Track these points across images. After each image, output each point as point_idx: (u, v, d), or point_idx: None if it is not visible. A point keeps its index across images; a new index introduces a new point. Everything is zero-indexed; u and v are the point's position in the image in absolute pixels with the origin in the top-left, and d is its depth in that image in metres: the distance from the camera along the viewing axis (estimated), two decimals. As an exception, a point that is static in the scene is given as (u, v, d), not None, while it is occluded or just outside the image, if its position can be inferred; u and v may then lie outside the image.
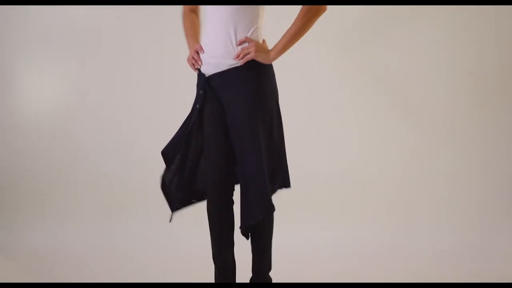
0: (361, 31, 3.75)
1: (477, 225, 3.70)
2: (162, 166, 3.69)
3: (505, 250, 3.56)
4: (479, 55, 3.72)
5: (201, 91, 2.51)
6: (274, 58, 2.45)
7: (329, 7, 3.26)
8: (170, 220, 2.69)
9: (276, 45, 2.45)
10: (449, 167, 3.77)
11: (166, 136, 3.74)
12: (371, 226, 3.71)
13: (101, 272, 3.33)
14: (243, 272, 2.74)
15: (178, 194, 2.65)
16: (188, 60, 2.56)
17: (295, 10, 2.48)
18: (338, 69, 3.78)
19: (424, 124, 3.78)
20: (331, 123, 3.81)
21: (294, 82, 3.70)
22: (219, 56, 2.45)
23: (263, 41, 2.50)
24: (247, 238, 2.59)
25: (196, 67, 2.53)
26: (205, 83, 2.49)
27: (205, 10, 2.52)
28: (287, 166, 2.60)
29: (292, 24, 2.42)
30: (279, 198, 2.65)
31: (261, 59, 2.42)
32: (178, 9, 3.61)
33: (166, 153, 2.61)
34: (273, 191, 2.59)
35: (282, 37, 2.43)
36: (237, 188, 2.58)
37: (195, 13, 2.67)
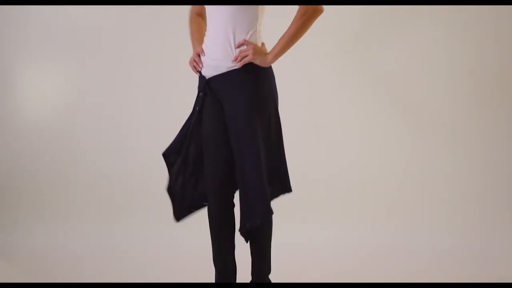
0: (361, 31, 3.75)
1: (477, 225, 3.70)
2: (162, 166, 3.68)
3: (505, 250, 3.56)
4: (479, 55, 3.72)
5: (201, 93, 2.54)
6: (272, 61, 2.46)
7: (328, 7, 3.27)
8: (178, 220, 2.69)
9: (273, 48, 2.45)
10: (449, 167, 3.78)
11: (166, 136, 3.74)
12: (371, 226, 3.71)
13: (101, 273, 3.33)
14: (243, 273, 2.74)
15: (183, 197, 2.64)
16: (190, 62, 2.59)
17: (295, 11, 2.49)
18: (338, 69, 3.78)
19: (424, 124, 3.78)
20: (331, 123, 3.81)
21: (294, 83, 3.70)
22: (218, 59, 2.47)
23: (262, 44, 2.50)
24: (247, 241, 2.59)
25: (197, 69, 2.55)
26: (205, 85, 2.51)
27: (206, 13, 2.53)
28: (287, 170, 2.59)
29: (289, 27, 2.42)
30: (279, 198, 2.65)
31: (258, 62, 2.43)
32: (178, 9, 3.64)
33: (168, 155, 2.62)
34: (274, 195, 2.58)
35: (279, 40, 2.44)
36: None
37: (202, 16, 2.68)
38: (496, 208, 3.74)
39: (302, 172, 3.63)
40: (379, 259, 3.48)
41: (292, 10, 2.49)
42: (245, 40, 2.43)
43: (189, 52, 3.20)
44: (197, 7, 2.68)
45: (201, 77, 2.54)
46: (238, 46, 2.43)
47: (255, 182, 2.44)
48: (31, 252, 3.60)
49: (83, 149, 3.89)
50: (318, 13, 2.40)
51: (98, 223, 3.80)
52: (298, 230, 3.63)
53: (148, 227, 3.74)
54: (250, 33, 2.44)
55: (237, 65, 2.44)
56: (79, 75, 3.90)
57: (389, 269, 3.35)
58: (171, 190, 2.65)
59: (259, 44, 2.48)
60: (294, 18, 2.41)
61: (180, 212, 2.67)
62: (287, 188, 2.60)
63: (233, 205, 2.60)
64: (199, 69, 2.54)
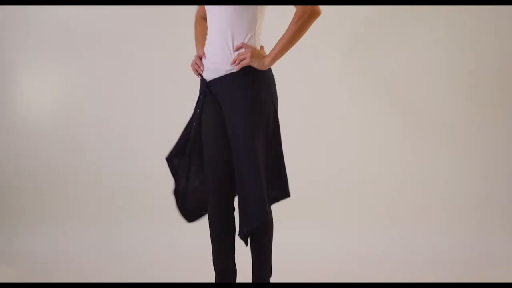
0: (361, 32, 3.74)
1: (477, 226, 3.70)
2: (163, 167, 3.69)
3: (505, 251, 3.56)
4: (479, 55, 3.71)
5: (201, 96, 2.55)
6: (269, 64, 2.46)
7: (328, 8, 3.27)
8: (190, 222, 2.70)
9: (271, 51, 2.45)
10: (449, 168, 3.77)
11: (167, 137, 3.73)
12: (371, 227, 3.71)
13: (102, 275, 3.33)
14: (244, 276, 2.74)
15: (190, 199, 2.65)
16: (192, 65, 2.60)
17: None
18: (338, 69, 3.77)
19: (424, 124, 3.77)
20: (331, 124, 3.79)
21: (294, 84, 3.68)
22: (218, 62, 2.48)
23: (261, 47, 2.50)
24: (246, 244, 2.59)
25: (198, 72, 2.56)
26: (205, 88, 2.52)
27: (207, 16, 2.55)
28: (286, 174, 2.58)
29: (286, 30, 2.42)
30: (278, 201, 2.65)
31: (256, 65, 2.43)
32: (179, 10, 3.65)
33: (171, 159, 2.64)
34: (274, 199, 2.58)
35: (277, 43, 2.43)
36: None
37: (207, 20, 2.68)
38: (497, 208, 3.74)
39: (302, 173, 3.62)
40: (379, 260, 3.49)
41: (293, 11, 2.50)
42: (243, 43, 2.43)
43: (190, 53, 3.21)
44: (202, 10, 2.69)
45: (202, 80, 2.55)
46: (237, 49, 2.44)
47: (253, 186, 2.44)
48: (31, 254, 3.60)
49: (84, 150, 3.87)
50: (315, 15, 2.39)
51: (99, 224, 3.80)
52: (298, 231, 3.62)
53: (149, 228, 3.74)
54: (249, 36, 2.44)
55: (235, 68, 2.44)
56: (79, 75, 3.88)
57: (389, 270, 3.36)
58: (177, 193, 2.65)
59: (258, 47, 2.48)
60: (291, 21, 2.40)
61: (191, 214, 2.68)
62: (285, 193, 2.59)
63: (233, 209, 2.60)
64: (200, 72, 2.55)
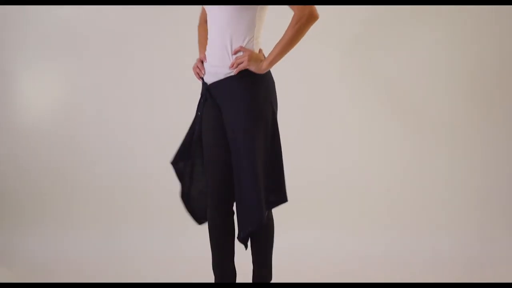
0: (361, 33, 3.73)
1: (478, 227, 3.70)
2: (163, 168, 3.70)
3: (506, 251, 3.56)
4: (479, 55, 3.71)
5: (201, 99, 2.56)
6: (267, 68, 2.45)
7: (328, 9, 3.27)
8: (201, 223, 2.71)
9: (268, 55, 2.45)
10: (449, 168, 3.76)
11: (167, 138, 3.75)
12: (371, 228, 3.71)
13: (102, 276, 3.34)
14: (244, 276, 2.74)
15: (197, 201, 2.66)
16: (193, 68, 2.60)
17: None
18: (338, 70, 3.76)
19: (424, 125, 3.76)
20: (331, 125, 3.79)
21: (293, 84, 3.67)
22: (217, 65, 2.49)
23: (260, 50, 2.50)
24: (246, 248, 2.59)
25: (200, 75, 2.57)
26: (206, 91, 2.53)
27: (207, 19, 2.56)
28: (284, 179, 2.57)
29: (284, 34, 2.42)
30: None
31: (253, 68, 2.43)
32: (179, 10, 3.65)
33: (176, 163, 2.65)
34: (272, 203, 2.56)
35: (275, 47, 2.43)
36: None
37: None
38: (497, 208, 3.74)
39: (302, 174, 3.64)
40: (379, 260, 3.50)
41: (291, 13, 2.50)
42: (241, 47, 2.43)
43: (190, 53, 3.21)
44: (205, 14, 2.69)
45: (203, 83, 2.56)
46: (235, 53, 2.44)
47: (250, 189, 2.44)
48: (31, 255, 3.60)
49: (84, 150, 3.86)
50: (313, 19, 2.39)
51: (99, 225, 3.80)
52: (297, 232, 3.62)
53: (149, 228, 3.74)
54: (247, 39, 2.44)
55: (233, 72, 2.45)
56: (79, 75, 3.87)
57: (389, 271, 3.37)
58: (184, 195, 2.67)
59: (257, 51, 2.48)
60: (289, 25, 2.40)
61: (200, 215, 2.69)
62: (283, 198, 2.58)
63: (233, 212, 2.60)
64: (202, 76, 2.56)
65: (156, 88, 3.84)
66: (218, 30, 2.46)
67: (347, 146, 3.79)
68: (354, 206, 3.77)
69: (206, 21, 2.69)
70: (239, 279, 2.69)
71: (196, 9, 2.89)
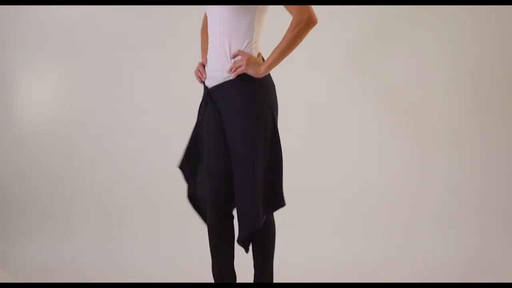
0: (361, 33, 3.73)
1: (478, 230, 3.69)
2: (165, 173, 3.71)
3: (506, 255, 3.56)
4: (479, 55, 3.70)
5: (202, 103, 2.58)
6: (264, 72, 2.45)
7: (328, 9, 3.27)
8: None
9: (267, 59, 2.45)
10: (449, 169, 3.76)
11: (169, 140, 3.76)
12: (371, 233, 3.71)
13: (102, 279, 3.34)
14: (244, 278, 2.75)
15: (202, 203, 2.68)
16: (195, 72, 2.61)
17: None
18: (338, 71, 3.75)
19: (425, 126, 3.75)
20: (331, 126, 3.78)
21: (293, 85, 3.65)
22: (217, 69, 2.49)
23: (259, 54, 2.50)
24: (247, 251, 2.59)
25: (201, 79, 2.58)
26: (207, 95, 2.54)
27: (208, 23, 2.56)
28: (282, 184, 2.57)
29: (282, 38, 2.41)
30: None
31: (251, 72, 2.43)
32: (180, 10, 3.64)
33: (183, 167, 2.67)
34: (270, 207, 2.56)
35: (273, 51, 2.43)
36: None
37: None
38: (497, 209, 3.73)
39: (302, 177, 3.64)
40: (379, 261, 3.51)
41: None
42: (239, 51, 2.43)
43: (191, 54, 3.22)
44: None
45: (205, 87, 2.57)
46: (233, 57, 2.44)
47: (248, 194, 2.45)
48: (32, 261, 3.60)
49: (84, 152, 3.86)
50: (311, 24, 2.39)
51: (99, 229, 3.79)
52: (297, 236, 3.61)
53: (150, 233, 3.74)
54: (246, 43, 2.44)
55: (232, 76, 2.45)
56: (79, 75, 3.86)
57: (389, 272, 3.39)
58: (191, 198, 2.69)
59: (255, 55, 2.48)
60: (287, 29, 2.40)
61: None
62: (281, 202, 2.58)
63: (233, 217, 2.60)
64: (203, 80, 2.57)
65: (157, 88, 3.83)
66: (218, 34, 2.46)
67: (347, 147, 3.79)
68: (354, 207, 3.77)
69: None
70: (239, 280, 2.70)
71: (197, 9, 2.88)
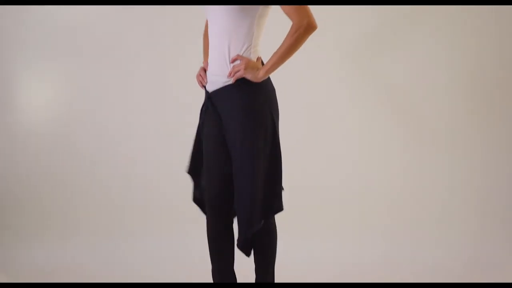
0: (361, 34, 3.73)
1: (478, 230, 3.69)
2: (166, 174, 3.70)
3: (506, 253, 3.56)
4: (479, 55, 3.70)
5: (203, 108, 2.58)
6: (263, 77, 2.45)
7: (327, 11, 3.27)
8: None
9: (266, 63, 2.46)
10: (449, 170, 3.76)
11: (170, 141, 3.76)
12: (371, 236, 3.71)
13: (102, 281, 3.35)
14: (244, 278, 2.75)
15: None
16: (196, 77, 2.62)
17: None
18: (338, 71, 3.75)
19: (425, 127, 3.75)
20: (331, 127, 3.78)
21: (293, 88, 3.65)
22: (217, 74, 2.50)
23: (258, 58, 2.50)
24: (248, 256, 2.59)
25: (202, 84, 2.59)
26: (207, 99, 2.54)
27: (208, 28, 2.57)
28: (281, 189, 2.57)
29: (282, 43, 2.41)
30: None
31: (250, 76, 2.43)
32: (181, 10, 3.64)
33: (191, 172, 2.67)
34: (268, 211, 2.55)
35: (272, 55, 2.43)
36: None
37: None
38: (497, 209, 3.73)
39: (301, 179, 3.64)
40: (379, 262, 3.51)
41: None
42: (238, 55, 2.43)
43: (191, 54, 3.22)
44: None
45: (206, 92, 2.57)
46: (232, 61, 2.45)
47: (246, 199, 2.45)
48: (31, 262, 3.59)
49: (84, 154, 3.85)
50: (310, 30, 2.38)
51: (100, 231, 3.79)
52: (298, 239, 3.59)
53: (151, 233, 3.73)
54: (245, 47, 2.44)
55: (231, 80, 2.45)
56: (79, 76, 3.86)
57: (390, 273, 3.38)
58: (199, 201, 2.69)
59: (254, 59, 2.47)
60: (287, 34, 2.40)
61: None
62: (279, 207, 2.57)
63: (232, 221, 2.61)
64: (204, 84, 2.57)
65: (157, 88, 3.83)
66: (217, 39, 2.46)
67: (347, 147, 3.79)
68: (354, 207, 3.77)
69: None
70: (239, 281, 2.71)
71: (197, 9, 2.88)
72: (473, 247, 3.62)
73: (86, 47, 3.82)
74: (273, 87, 2.55)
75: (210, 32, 2.52)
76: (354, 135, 3.78)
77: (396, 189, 3.76)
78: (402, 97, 3.76)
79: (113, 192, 3.84)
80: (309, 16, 2.37)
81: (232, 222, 2.61)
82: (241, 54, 2.44)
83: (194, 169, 2.66)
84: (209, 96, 2.53)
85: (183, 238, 3.64)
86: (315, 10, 2.46)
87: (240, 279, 2.72)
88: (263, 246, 2.60)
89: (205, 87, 2.58)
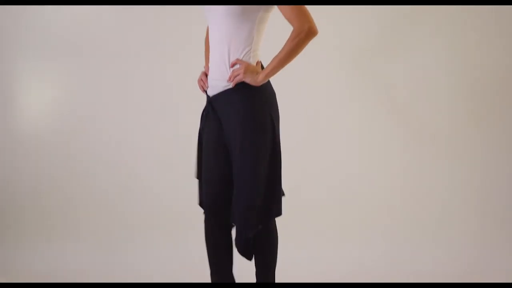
0: (361, 35, 3.72)
1: (478, 231, 3.70)
2: (166, 173, 3.69)
3: (506, 253, 3.57)
4: (479, 55, 3.69)
5: (204, 113, 2.59)
6: (262, 81, 2.45)
7: (327, 11, 3.26)
8: None
9: (265, 67, 2.46)
10: (450, 174, 3.75)
11: (170, 145, 3.74)
12: (371, 234, 3.71)
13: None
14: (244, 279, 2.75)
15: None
16: (198, 81, 2.63)
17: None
18: (338, 72, 3.74)
19: (425, 130, 3.74)
20: (331, 127, 3.77)
21: (293, 88, 3.64)
22: (217, 78, 2.50)
23: (258, 63, 2.50)
24: (249, 259, 2.60)
25: (203, 89, 2.59)
26: (208, 104, 2.55)
27: (208, 32, 2.58)
28: (280, 192, 2.57)
29: (282, 48, 2.41)
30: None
31: (249, 80, 2.43)
32: (181, 11, 3.64)
33: (199, 177, 2.67)
34: (267, 216, 2.54)
35: (272, 60, 2.43)
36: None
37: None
38: (497, 210, 3.73)
39: (302, 179, 3.64)
40: (379, 266, 3.51)
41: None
42: (237, 59, 2.44)
43: (191, 55, 3.21)
44: None
45: (207, 97, 2.58)
46: (232, 66, 2.45)
47: (246, 202, 2.45)
48: (31, 266, 3.60)
49: (84, 156, 3.85)
50: (311, 35, 2.38)
51: (99, 234, 3.79)
52: (297, 238, 3.60)
53: (152, 238, 3.73)
54: (245, 52, 2.44)
55: (231, 85, 2.45)
56: (79, 76, 3.85)
57: (389, 277, 3.38)
58: (202, 204, 2.69)
59: (254, 63, 2.48)
60: (288, 39, 2.40)
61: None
62: (278, 212, 2.57)
63: (230, 226, 2.60)
64: (206, 89, 2.58)
65: (158, 89, 3.81)
66: (218, 43, 2.47)
67: (348, 147, 3.78)
68: (354, 207, 3.76)
69: None
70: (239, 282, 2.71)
71: (198, 9, 2.87)
72: (473, 247, 3.63)
73: (86, 47, 3.82)
74: (273, 90, 2.55)
75: (210, 37, 2.52)
76: (354, 135, 3.78)
77: (396, 189, 3.76)
78: (402, 97, 3.76)
79: (113, 192, 3.83)
80: (310, 22, 2.37)
81: (230, 226, 2.61)
82: (240, 58, 2.44)
83: (200, 174, 2.66)
84: (210, 101, 2.54)
85: (184, 239, 3.64)
86: (315, 11, 2.46)
87: (240, 279, 2.72)
88: (264, 249, 2.60)
89: (206, 92, 2.58)
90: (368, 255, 3.59)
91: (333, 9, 3.56)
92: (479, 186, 3.75)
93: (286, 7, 2.37)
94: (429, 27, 3.68)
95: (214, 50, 2.50)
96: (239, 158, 2.44)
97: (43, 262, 3.63)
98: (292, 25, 2.39)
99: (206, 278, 2.72)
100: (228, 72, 2.46)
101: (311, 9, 2.44)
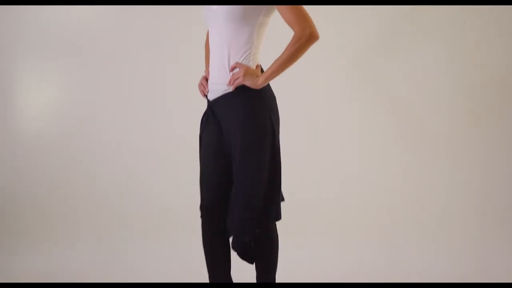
0: (361, 35, 3.72)
1: (478, 231, 3.69)
2: (167, 174, 3.68)
3: (506, 253, 3.57)
4: (479, 56, 3.68)
5: (204, 117, 2.60)
6: (262, 84, 2.45)
7: (327, 11, 3.26)
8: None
9: (265, 71, 2.46)
10: (450, 174, 3.75)
11: (171, 145, 3.74)
12: (371, 234, 3.71)
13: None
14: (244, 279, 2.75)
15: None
16: (198, 86, 2.63)
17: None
18: (338, 72, 3.74)
19: (425, 130, 3.73)
20: (331, 127, 3.77)
21: (293, 89, 3.63)
22: (217, 82, 2.50)
23: (257, 66, 2.49)
24: (251, 263, 2.60)
25: (204, 93, 2.60)
26: (208, 109, 2.55)
27: (209, 36, 2.58)
28: (279, 197, 2.56)
29: (283, 52, 2.41)
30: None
31: (249, 83, 2.43)
32: (180, 10, 3.64)
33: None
34: (266, 220, 2.53)
35: (273, 63, 2.43)
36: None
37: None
38: (498, 212, 3.73)
39: (302, 179, 3.64)
40: (379, 266, 3.51)
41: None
42: (237, 63, 2.44)
43: (191, 55, 3.21)
44: None
45: (208, 101, 2.58)
46: (232, 69, 2.45)
47: (244, 206, 2.45)
48: (31, 266, 3.60)
49: (84, 155, 3.85)
50: (312, 40, 2.38)
51: (99, 236, 3.79)
52: (297, 238, 3.59)
53: (152, 239, 3.73)
54: (244, 55, 2.45)
55: (231, 88, 2.46)
56: (79, 76, 3.85)
57: (389, 277, 3.38)
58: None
59: (254, 66, 2.47)
60: (289, 43, 2.39)
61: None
62: (277, 216, 2.56)
63: (227, 229, 2.58)
64: (206, 93, 2.58)
65: (158, 89, 3.81)
66: (217, 47, 2.47)
67: (348, 147, 3.78)
68: (354, 207, 3.76)
69: None
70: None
71: (198, 9, 2.88)
72: (473, 247, 3.63)
73: (86, 47, 3.82)
74: (273, 94, 2.55)
75: (210, 41, 2.52)
76: (354, 135, 3.78)
77: (396, 189, 3.76)
78: (402, 97, 3.76)
79: (113, 192, 3.83)
80: (311, 27, 2.36)
81: (227, 229, 2.59)
82: (240, 61, 2.44)
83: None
84: (210, 105, 2.54)
85: (183, 239, 3.63)
86: (314, 11, 2.46)
87: (241, 279, 2.72)
88: (264, 255, 2.60)
89: (206, 96, 2.58)
90: (368, 255, 3.60)
91: (333, 9, 3.57)
92: (479, 186, 3.75)
93: (287, 11, 2.36)
94: (429, 27, 3.68)
95: (214, 54, 2.50)
96: (239, 160, 2.44)
97: (43, 262, 3.64)
98: (293, 29, 2.39)
99: (206, 278, 2.72)
100: (228, 76, 2.46)
101: (311, 9, 2.45)
